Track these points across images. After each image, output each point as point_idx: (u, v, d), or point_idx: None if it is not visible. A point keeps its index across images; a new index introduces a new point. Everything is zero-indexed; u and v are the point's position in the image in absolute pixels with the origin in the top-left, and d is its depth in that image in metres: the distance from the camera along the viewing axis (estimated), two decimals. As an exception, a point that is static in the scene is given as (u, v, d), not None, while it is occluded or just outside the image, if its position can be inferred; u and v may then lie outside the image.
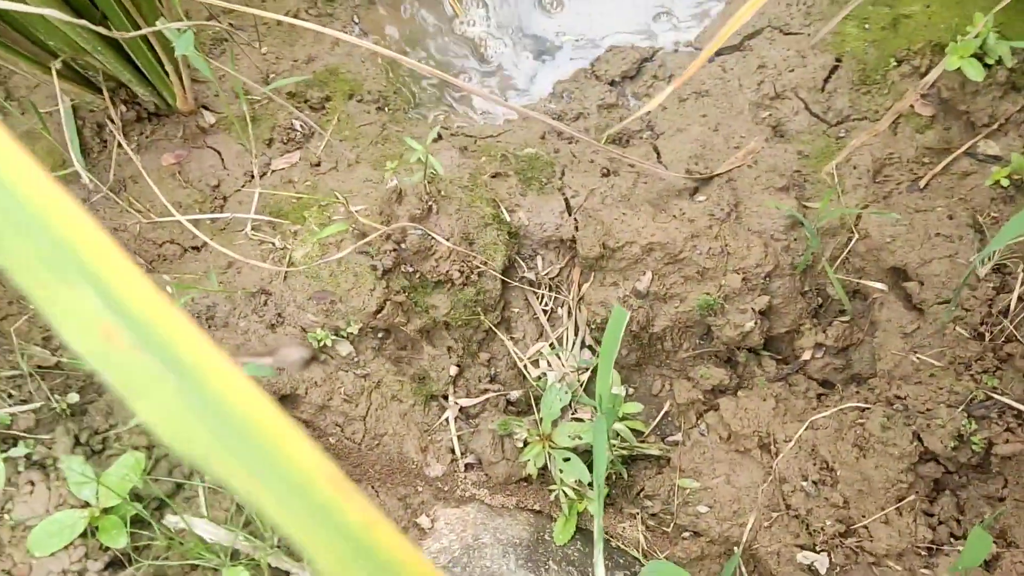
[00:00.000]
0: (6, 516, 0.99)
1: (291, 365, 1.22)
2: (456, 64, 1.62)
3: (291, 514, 0.30)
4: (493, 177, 1.45)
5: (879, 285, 1.28)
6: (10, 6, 0.90)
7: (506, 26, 1.65)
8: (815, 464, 1.19)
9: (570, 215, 1.42)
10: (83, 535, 0.97)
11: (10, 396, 1.06)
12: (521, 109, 1.33)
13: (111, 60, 1.24)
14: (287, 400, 1.28)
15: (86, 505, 0.99)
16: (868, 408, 1.18)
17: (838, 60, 1.49)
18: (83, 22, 1.05)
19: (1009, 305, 1.19)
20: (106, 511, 0.98)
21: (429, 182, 1.37)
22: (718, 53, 1.57)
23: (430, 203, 1.35)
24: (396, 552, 0.31)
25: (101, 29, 1.08)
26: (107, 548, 0.98)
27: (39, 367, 1.10)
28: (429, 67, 1.16)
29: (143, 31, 1.12)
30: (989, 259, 1.18)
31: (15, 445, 1.03)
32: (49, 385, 1.09)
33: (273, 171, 1.49)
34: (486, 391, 1.39)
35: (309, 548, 0.30)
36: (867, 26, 1.51)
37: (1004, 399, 1.15)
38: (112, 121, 1.40)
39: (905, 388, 1.18)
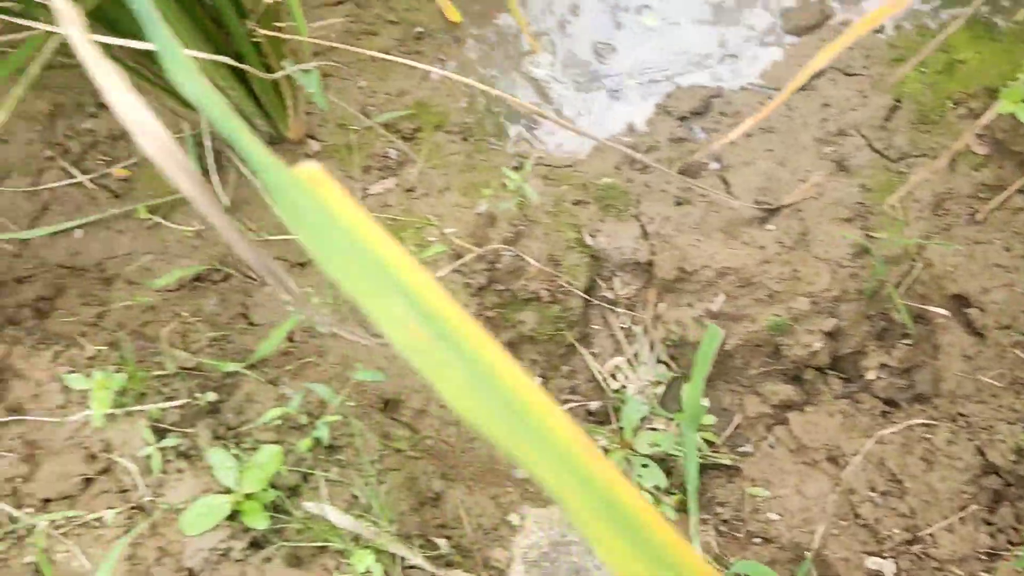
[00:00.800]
0: (159, 500, 1.11)
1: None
2: (526, 100, 1.74)
3: (553, 472, 0.41)
4: (575, 204, 1.57)
5: (942, 311, 1.38)
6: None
7: (570, 66, 1.77)
8: (882, 476, 1.28)
9: (646, 240, 1.53)
10: (228, 517, 1.09)
11: (159, 393, 1.18)
12: (601, 139, 1.45)
13: (241, 96, 1.37)
14: (391, 404, 1.39)
15: (229, 491, 1.10)
16: (933, 424, 1.28)
17: (897, 101, 1.60)
18: (227, 60, 1.19)
19: (1064, 331, 1.28)
20: (248, 496, 1.10)
21: (519, 207, 1.49)
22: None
23: (520, 227, 1.47)
24: (633, 504, 0.41)
25: (247, 67, 1.21)
26: (248, 529, 1.09)
27: (182, 368, 1.23)
28: (518, 100, 1.29)
29: (282, 72, 1.25)
30: (1046, 288, 1.27)
31: (165, 437, 1.15)
32: (191, 384, 1.22)
33: (371, 195, 1.62)
34: (567, 401, 1.50)
35: (565, 500, 0.41)
36: (924, 70, 1.62)
37: (1060, 418, 1.23)
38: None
39: (968, 406, 1.27)
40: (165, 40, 0.50)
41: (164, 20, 0.50)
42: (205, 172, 1.53)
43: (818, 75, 1.69)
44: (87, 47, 0.47)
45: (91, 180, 1.58)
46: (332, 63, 1.74)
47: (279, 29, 1.40)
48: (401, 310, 0.41)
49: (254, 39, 1.30)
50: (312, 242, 0.41)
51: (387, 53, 1.78)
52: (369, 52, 1.40)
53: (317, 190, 0.41)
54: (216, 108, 0.46)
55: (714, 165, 1.63)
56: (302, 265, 1.53)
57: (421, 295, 0.40)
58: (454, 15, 1.80)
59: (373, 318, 0.40)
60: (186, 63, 0.51)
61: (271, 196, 0.42)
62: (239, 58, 1.35)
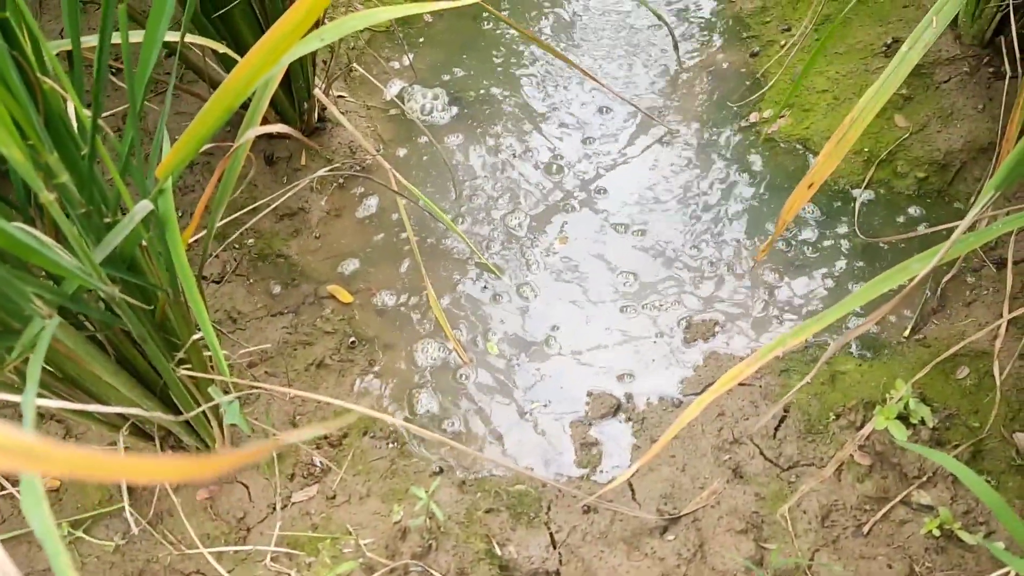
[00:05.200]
0: None
1: None
2: (452, 411, 1.86)
3: None
4: (487, 512, 1.64)
5: (833, 629, 1.41)
6: (95, 408, 1.14)
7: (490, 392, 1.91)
8: None
9: (555, 548, 1.58)
10: None
11: None
12: (516, 468, 1.55)
13: (169, 421, 1.48)
14: None
15: None
16: None
17: (786, 410, 1.73)
18: (159, 416, 1.31)
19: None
20: None
21: (430, 518, 1.55)
22: (680, 401, 1.82)
23: (430, 541, 1.53)
24: None
25: (173, 417, 1.33)
26: None
27: None
28: (431, 433, 1.40)
29: (202, 408, 1.37)
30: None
31: None
32: None
33: (293, 503, 1.68)
34: None
35: None
36: (809, 381, 1.77)
37: None
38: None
39: None
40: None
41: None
42: (130, 488, 1.60)
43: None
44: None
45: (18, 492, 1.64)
46: (266, 375, 1.88)
47: (210, 358, 1.54)
48: None
49: (180, 373, 1.43)
50: None
51: (320, 363, 1.93)
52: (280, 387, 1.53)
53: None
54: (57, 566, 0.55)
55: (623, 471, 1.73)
56: (217, 579, 1.56)
57: None
58: (346, 297, 1.98)
59: None
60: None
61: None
62: (167, 388, 1.47)
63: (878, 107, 1.42)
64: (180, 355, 1.45)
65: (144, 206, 1.08)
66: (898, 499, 1.54)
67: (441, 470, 1.75)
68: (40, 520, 0.65)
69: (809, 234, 2.03)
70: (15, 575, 0.62)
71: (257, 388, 1.72)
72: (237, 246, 2.11)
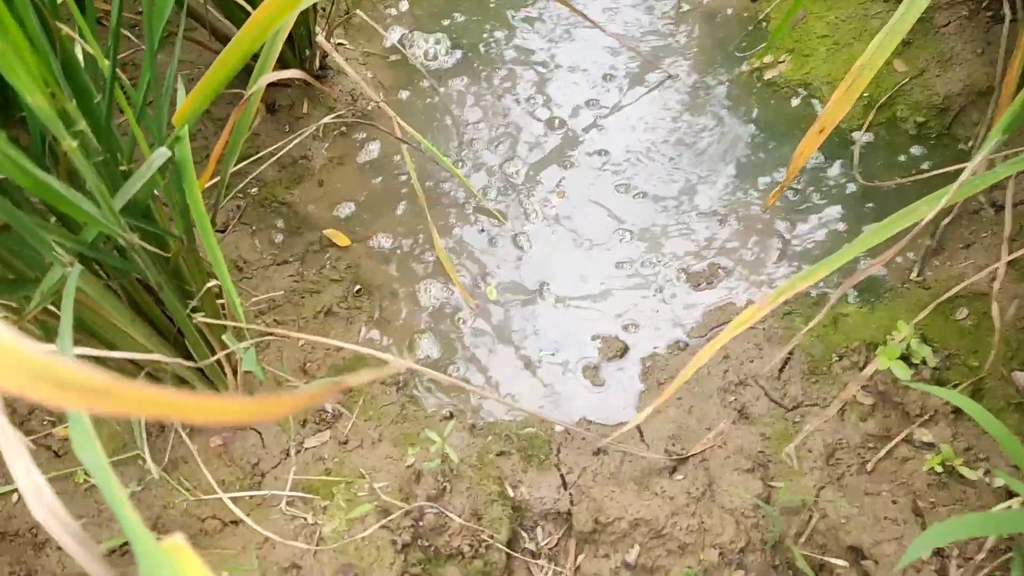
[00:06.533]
0: None
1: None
2: (458, 356, 1.87)
3: None
4: (498, 455, 1.67)
5: (840, 562, 1.46)
6: (118, 354, 1.15)
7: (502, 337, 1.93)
8: None
9: (566, 489, 1.62)
10: None
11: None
12: (529, 409, 1.57)
13: (183, 369, 1.49)
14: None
15: None
16: None
17: (790, 353, 1.76)
18: (178, 362, 1.31)
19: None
20: None
21: (443, 461, 1.58)
22: (687, 344, 1.85)
23: (444, 484, 1.56)
24: None
25: (190, 363, 1.33)
26: None
27: None
28: (445, 377, 1.42)
29: (216, 356, 1.38)
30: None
31: None
32: None
33: (306, 449, 1.70)
34: (492, 658, 1.52)
35: None
36: (815, 323, 1.80)
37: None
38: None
39: (866, 662, 1.33)
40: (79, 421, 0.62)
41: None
42: (146, 433, 1.61)
43: (718, 326, 1.86)
44: None
45: (33, 441, 1.65)
46: (277, 320, 1.88)
47: (223, 307, 1.54)
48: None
49: (195, 320, 1.44)
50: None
51: (328, 311, 1.94)
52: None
53: (178, 563, 0.49)
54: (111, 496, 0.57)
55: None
56: (235, 524, 1.58)
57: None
58: (343, 240, 1.98)
59: None
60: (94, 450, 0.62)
61: (138, 561, 0.50)
62: (181, 335, 1.48)
63: (888, 52, 1.42)
64: (194, 303, 1.45)
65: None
66: (900, 437, 1.58)
67: (452, 415, 1.78)
68: (93, 455, 0.66)
69: (810, 178, 2.04)
70: (66, 517, 0.63)
71: (272, 335, 1.73)
72: (241, 195, 2.10)
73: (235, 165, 2.00)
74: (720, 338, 1.33)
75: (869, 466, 1.56)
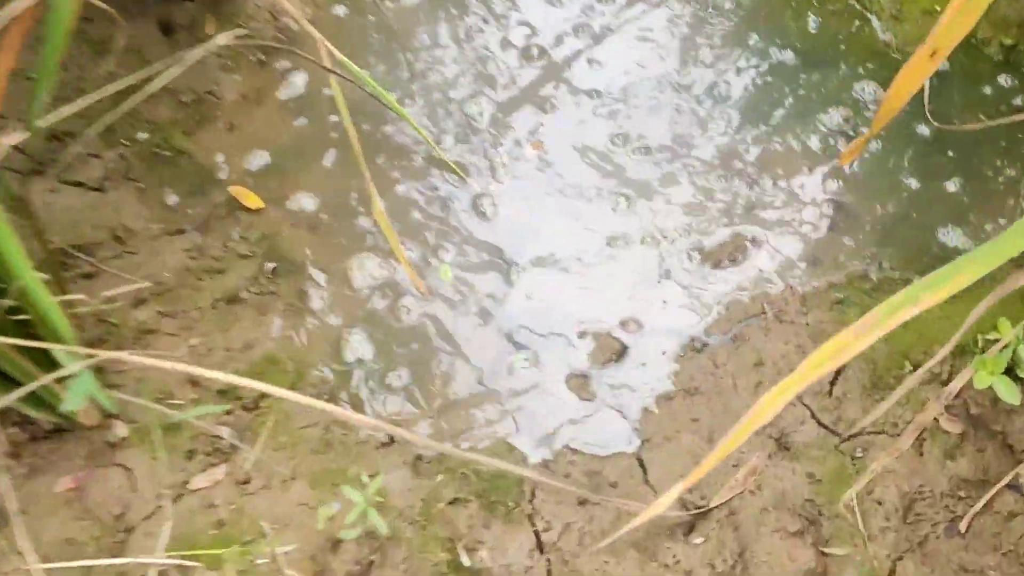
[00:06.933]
0: None
1: None
2: (399, 359, 1.43)
3: None
4: (450, 504, 1.24)
5: (925, 672, 1.05)
6: None
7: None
8: None
9: (542, 554, 1.20)
10: None
11: None
12: (486, 460, 1.14)
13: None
14: None
15: None
16: None
17: (845, 359, 1.32)
18: None
19: None
20: None
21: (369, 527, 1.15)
22: (705, 344, 1.40)
23: (372, 556, 1.13)
24: None
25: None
26: None
27: None
28: (372, 420, 0.98)
29: (38, 383, 0.94)
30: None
31: None
32: None
33: (192, 491, 1.28)
34: None
35: None
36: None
37: None
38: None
39: None
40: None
41: None
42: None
43: (747, 319, 1.42)
44: None
45: None
46: (162, 312, 1.44)
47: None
48: None
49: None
50: None
51: (234, 297, 1.49)
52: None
53: None
54: None
55: (633, 444, 1.33)
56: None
57: None
58: (254, 201, 1.56)
59: None
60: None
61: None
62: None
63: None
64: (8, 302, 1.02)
65: None
66: (1004, 482, 1.17)
67: (392, 440, 1.35)
68: None
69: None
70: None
71: (112, 357, 1.27)
72: (127, 142, 1.63)
73: (117, 102, 1.51)
74: (791, 381, 0.88)
75: (962, 524, 1.15)
